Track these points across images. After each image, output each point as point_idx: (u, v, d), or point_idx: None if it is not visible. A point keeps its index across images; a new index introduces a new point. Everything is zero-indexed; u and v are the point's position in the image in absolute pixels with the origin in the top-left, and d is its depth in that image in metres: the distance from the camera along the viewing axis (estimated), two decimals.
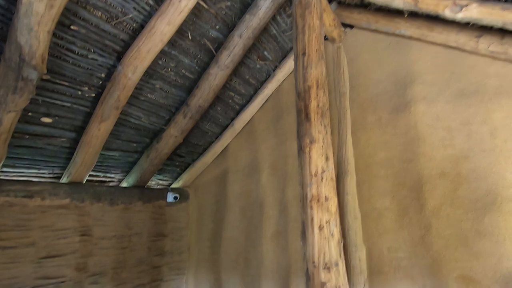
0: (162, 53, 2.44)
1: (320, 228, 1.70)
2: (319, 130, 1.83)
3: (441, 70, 2.43)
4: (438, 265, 2.14)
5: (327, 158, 1.81)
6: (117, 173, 3.36)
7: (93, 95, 2.43)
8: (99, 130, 2.52)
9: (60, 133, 2.55)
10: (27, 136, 2.41)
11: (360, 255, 2.48)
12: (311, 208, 1.74)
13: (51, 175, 2.84)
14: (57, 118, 2.42)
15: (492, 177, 2.05)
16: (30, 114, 2.28)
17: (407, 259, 2.28)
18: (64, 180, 2.84)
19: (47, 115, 2.35)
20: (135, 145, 3.13)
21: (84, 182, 3.00)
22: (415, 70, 2.55)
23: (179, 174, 4.00)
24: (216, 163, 3.94)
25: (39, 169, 2.72)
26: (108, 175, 3.30)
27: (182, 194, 3.96)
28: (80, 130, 2.61)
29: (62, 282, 2.59)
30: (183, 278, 3.82)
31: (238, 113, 3.54)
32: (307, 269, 1.71)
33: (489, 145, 2.10)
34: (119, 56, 2.28)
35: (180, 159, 3.74)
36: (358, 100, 2.83)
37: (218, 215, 3.75)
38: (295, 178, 3.05)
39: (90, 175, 3.09)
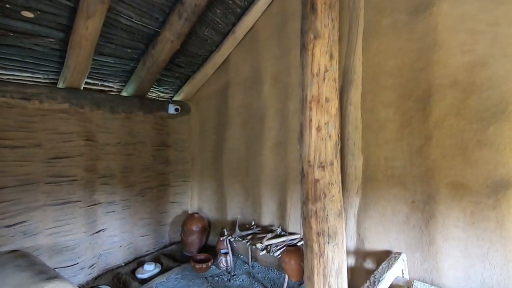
0: None
1: (318, 129, 1.68)
2: (325, 24, 1.64)
3: None
4: (432, 173, 2.18)
5: (331, 57, 1.66)
6: (115, 82, 3.26)
7: None
8: (87, 29, 2.33)
9: (47, 32, 2.36)
10: (11, 34, 2.24)
11: (356, 163, 2.54)
12: (310, 109, 1.68)
13: (46, 81, 2.77)
14: (39, 13, 2.21)
15: (508, 85, 1.91)
16: (8, 6, 2.07)
17: (402, 167, 2.33)
18: (60, 85, 2.77)
19: (27, 8, 2.14)
20: (129, 51, 2.95)
21: (82, 89, 2.94)
22: None
23: (180, 87, 3.89)
24: (217, 76, 3.79)
25: (33, 73, 2.63)
26: (106, 84, 3.21)
27: (184, 107, 3.94)
28: (68, 30, 2.41)
29: (74, 180, 2.78)
30: (189, 185, 4.10)
31: (239, 17, 3.21)
32: (302, 168, 1.75)
33: None
34: None
35: (180, 69, 3.58)
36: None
37: (220, 127, 3.78)
38: (297, 90, 2.94)
39: (88, 83, 3.02)
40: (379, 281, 1.86)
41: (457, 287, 2.04)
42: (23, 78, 2.62)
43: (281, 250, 2.66)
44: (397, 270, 2.11)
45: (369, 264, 2.48)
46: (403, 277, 2.20)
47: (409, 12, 2.31)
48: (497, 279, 1.91)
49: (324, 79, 1.64)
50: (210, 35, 3.28)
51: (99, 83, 3.14)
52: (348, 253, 2.45)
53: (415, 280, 2.12)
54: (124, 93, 3.42)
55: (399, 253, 2.25)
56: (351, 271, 2.53)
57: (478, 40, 2.03)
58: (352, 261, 2.56)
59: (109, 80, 3.19)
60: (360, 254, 2.53)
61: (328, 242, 1.68)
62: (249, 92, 3.45)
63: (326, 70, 1.64)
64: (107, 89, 3.28)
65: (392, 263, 2.10)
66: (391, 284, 2.04)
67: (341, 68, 2.60)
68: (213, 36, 3.30)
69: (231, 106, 3.65)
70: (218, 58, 3.56)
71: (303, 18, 1.71)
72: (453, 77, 2.12)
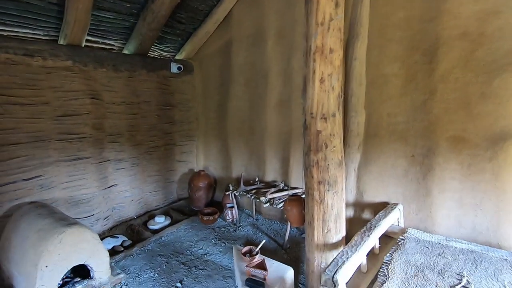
0: None
1: (321, 81, 1.68)
2: None
3: None
4: (434, 127, 2.21)
5: (337, 4, 1.61)
6: (116, 40, 3.21)
7: None
8: None
9: None
10: None
11: (359, 120, 2.57)
12: (314, 60, 1.67)
13: (47, 37, 2.73)
14: None
15: None
16: None
17: (404, 123, 2.35)
18: (61, 42, 2.74)
19: None
20: (128, 5, 2.85)
21: (83, 46, 2.91)
22: None
23: (182, 45, 3.81)
24: (219, 33, 3.68)
25: (33, 29, 2.59)
26: (107, 41, 3.16)
27: (186, 66, 3.89)
28: None
29: (84, 137, 2.88)
30: (194, 144, 4.20)
31: None
32: (305, 120, 1.78)
33: None
34: None
35: (181, 26, 3.48)
36: None
37: (223, 87, 3.77)
38: (302, 46, 2.87)
39: (88, 41, 2.98)
40: (375, 227, 1.99)
41: (448, 233, 2.16)
42: (23, 35, 2.59)
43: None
44: (393, 219, 2.23)
45: (367, 215, 2.62)
46: (398, 225, 2.33)
47: None
48: (487, 225, 2.02)
49: (328, 28, 1.61)
50: None
51: (100, 40, 3.09)
52: (347, 205, 2.58)
53: (409, 228, 2.26)
54: (125, 51, 3.37)
55: (396, 204, 2.36)
56: (350, 221, 2.67)
57: None
58: (351, 212, 2.70)
59: (110, 37, 3.13)
60: (359, 206, 2.66)
61: (328, 190, 1.77)
62: (252, 50, 3.38)
63: (331, 19, 1.60)
64: (108, 47, 3.23)
65: (389, 212, 2.22)
66: (387, 231, 2.17)
67: (347, 20, 2.51)
68: None
69: (234, 65, 3.60)
70: (220, 13, 3.43)
71: None
72: (463, 28, 2.05)
